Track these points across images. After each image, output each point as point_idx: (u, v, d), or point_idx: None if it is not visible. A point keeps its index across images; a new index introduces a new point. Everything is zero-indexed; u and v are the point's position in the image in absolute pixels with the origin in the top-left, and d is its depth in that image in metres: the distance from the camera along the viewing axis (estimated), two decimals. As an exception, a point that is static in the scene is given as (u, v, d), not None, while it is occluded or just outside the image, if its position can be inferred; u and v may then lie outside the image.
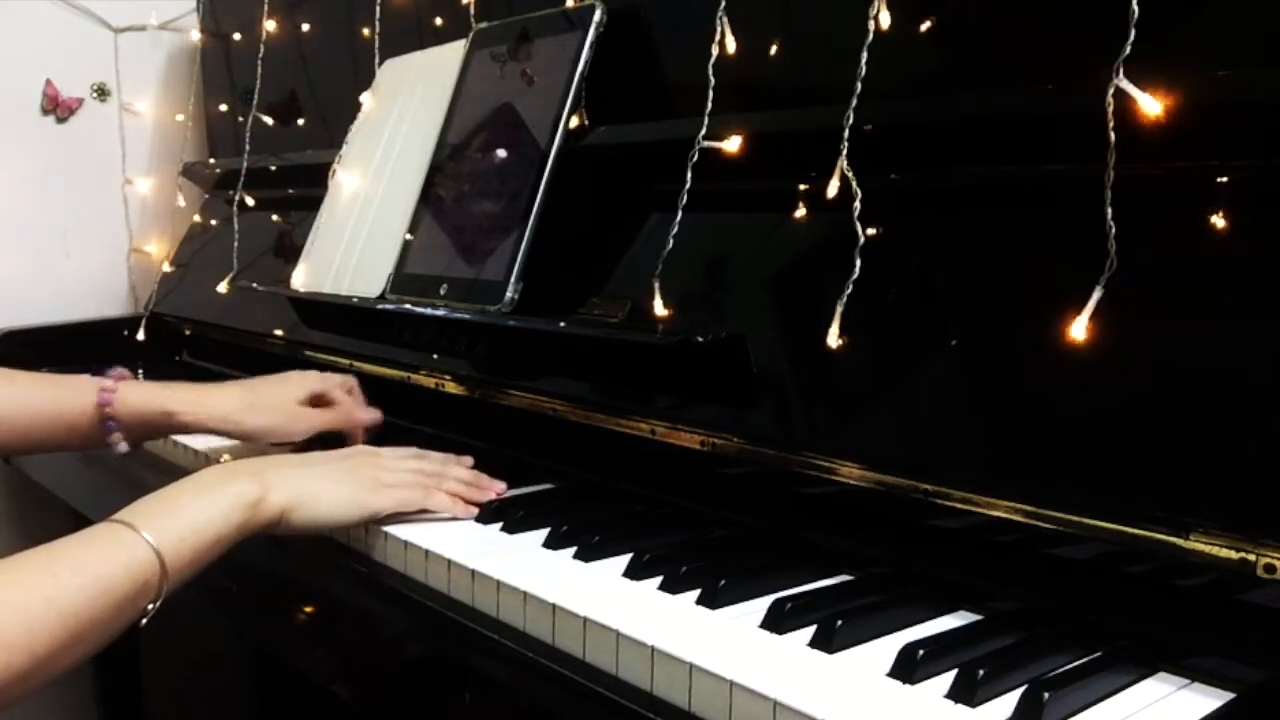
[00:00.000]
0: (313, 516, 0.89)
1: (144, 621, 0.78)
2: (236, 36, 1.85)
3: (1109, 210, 0.70)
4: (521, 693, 0.77)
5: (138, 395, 1.14)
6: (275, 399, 1.16)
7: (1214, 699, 0.64)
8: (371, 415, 1.20)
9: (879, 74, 0.85)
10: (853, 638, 0.70)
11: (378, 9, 1.46)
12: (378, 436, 1.19)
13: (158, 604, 0.78)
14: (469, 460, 1.05)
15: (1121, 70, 0.69)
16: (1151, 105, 0.69)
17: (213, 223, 1.83)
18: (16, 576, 0.72)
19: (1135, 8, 0.70)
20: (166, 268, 1.86)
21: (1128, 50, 0.69)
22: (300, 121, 1.72)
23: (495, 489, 1.00)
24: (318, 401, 1.18)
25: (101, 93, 1.93)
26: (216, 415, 1.13)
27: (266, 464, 0.91)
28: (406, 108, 1.35)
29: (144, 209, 2.00)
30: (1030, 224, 0.80)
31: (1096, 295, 0.70)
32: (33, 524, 1.86)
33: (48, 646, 0.70)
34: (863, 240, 0.83)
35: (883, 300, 0.83)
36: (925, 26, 0.88)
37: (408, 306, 1.20)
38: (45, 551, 0.75)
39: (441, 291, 1.16)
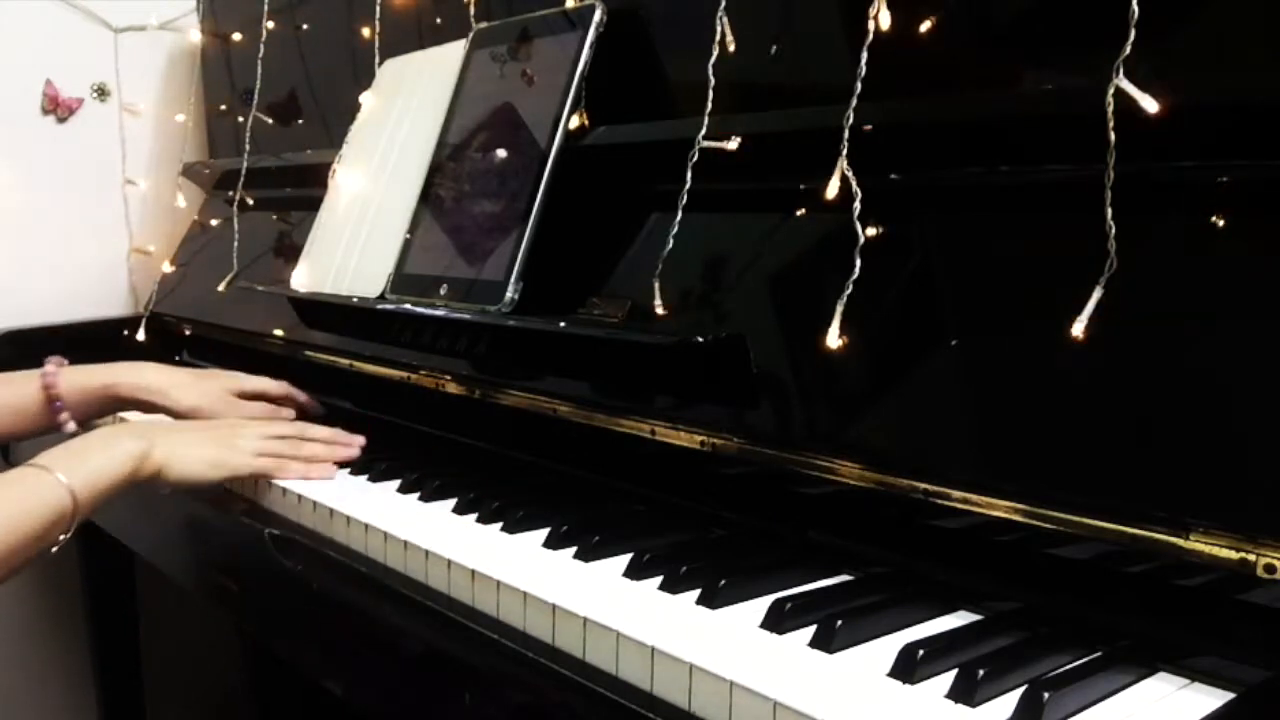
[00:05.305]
0: (183, 474, 1.07)
1: (54, 550, 0.98)
2: (236, 36, 1.85)
3: (1109, 210, 0.70)
4: (521, 693, 0.77)
5: (79, 373, 1.28)
6: (205, 384, 1.30)
7: (1214, 699, 0.64)
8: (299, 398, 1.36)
9: (879, 74, 0.85)
10: (853, 638, 0.70)
11: (378, 9, 1.46)
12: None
13: (69, 533, 0.98)
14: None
15: (1121, 70, 0.69)
16: (1152, 105, 0.69)
17: (213, 223, 1.83)
18: None
19: (1135, 8, 0.70)
20: (166, 268, 1.86)
21: (1128, 50, 0.69)
22: (300, 121, 1.72)
23: (356, 442, 1.16)
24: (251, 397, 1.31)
25: (101, 93, 1.93)
26: (153, 388, 1.27)
27: (152, 429, 1.09)
28: (406, 108, 1.35)
29: (144, 209, 1.99)
30: (1030, 224, 0.80)
31: (1096, 295, 0.70)
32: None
33: None
34: (863, 240, 0.83)
35: (883, 300, 0.83)
36: (925, 26, 0.88)
37: (408, 307, 1.20)
38: None
39: (441, 292, 1.16)
